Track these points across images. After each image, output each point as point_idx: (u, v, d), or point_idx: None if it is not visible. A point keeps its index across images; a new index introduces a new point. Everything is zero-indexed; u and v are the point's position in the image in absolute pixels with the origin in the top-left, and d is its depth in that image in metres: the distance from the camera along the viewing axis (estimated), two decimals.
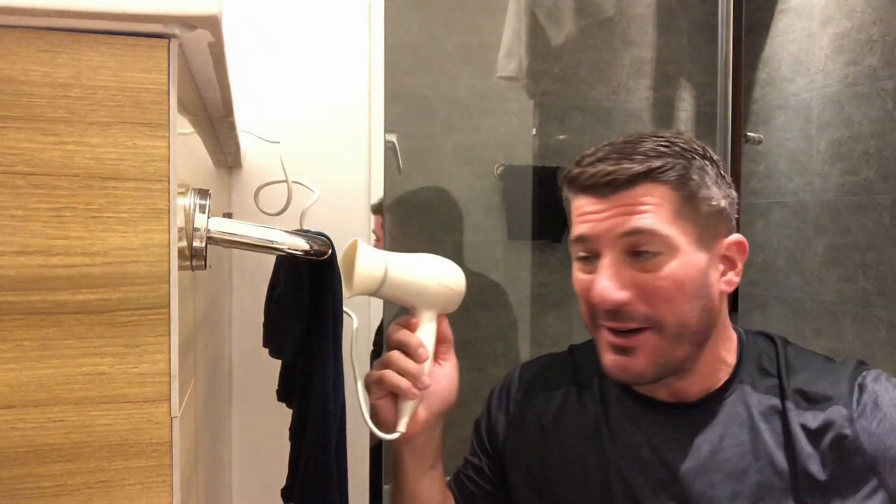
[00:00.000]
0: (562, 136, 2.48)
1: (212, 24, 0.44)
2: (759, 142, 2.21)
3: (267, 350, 0.85)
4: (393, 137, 1.52)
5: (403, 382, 0.78)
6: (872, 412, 0.74)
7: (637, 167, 0.74)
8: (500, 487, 0.92)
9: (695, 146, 0.78)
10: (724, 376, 0.81)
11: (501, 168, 2.38)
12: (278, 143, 1.08)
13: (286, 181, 0.99)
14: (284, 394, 0.89)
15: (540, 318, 2.46)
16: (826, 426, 0.75)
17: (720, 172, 0.79)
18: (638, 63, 2.52)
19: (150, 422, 0.45)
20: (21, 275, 0.43)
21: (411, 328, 0.80)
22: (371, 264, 0.76)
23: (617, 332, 0.76)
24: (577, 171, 0.79)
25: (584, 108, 2.48)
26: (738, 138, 1.83)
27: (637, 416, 0.83)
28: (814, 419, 0.75)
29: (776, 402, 0.78)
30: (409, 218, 2.14)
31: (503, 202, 2.39)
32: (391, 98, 1.29)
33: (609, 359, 0.78)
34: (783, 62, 2.37)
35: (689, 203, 0.75)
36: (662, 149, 0.76)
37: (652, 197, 0.74)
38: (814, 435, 0.75)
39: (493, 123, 2.37)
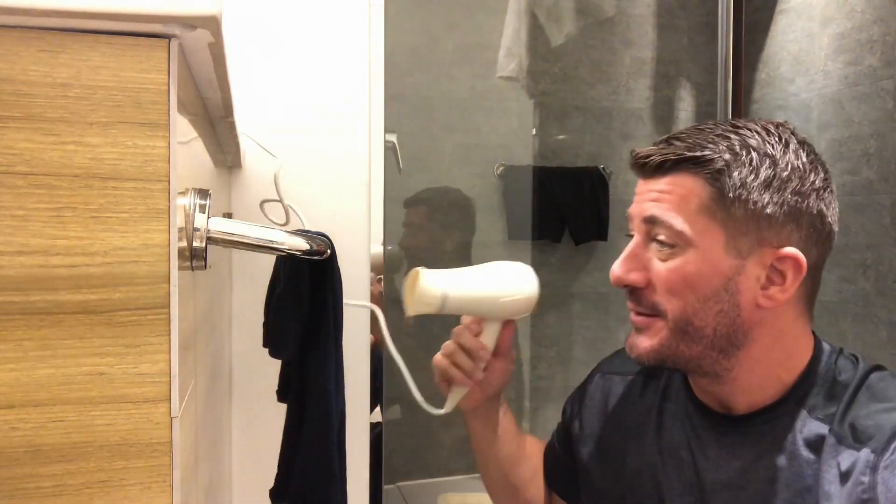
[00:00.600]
0: (562, 136, 2.48)
1: (212, 24, 0.44)
2: None
3: (267, 350, 0.85)
4: (393, 137, 1.52)
5: (458, 376, 0.87)
6: None
7: (671, 154, 0.73)
8: (571, 459, 0.96)
9: (769, 144, 0.72)
10: (776, 394, 0.75)
11: (501, 168, 2.39)
12: (276, 157, 1.08)
13: (281, 201, 1.00)
14: (285, 394, 0.89)
15: (540, 318, 2.46)
16: (850, 470, 0.67)
17: (787, 177, 0.71)
18: (638, 63, 2.52)
19: (150, 422, 0.45)
20: (21, 275, 0.43)
21: (474, 332, 0.87)
22: (430, 288, 0.80)
23: (637, 312, 0.77)
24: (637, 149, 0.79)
25: (584, 108, 2.48)
26: None
27: (688, 417, 0.82)
28: (847, 459, 0.68)
29: (825, 431, 0.71)
30: (421, 216, 2.16)
31: (503, 202, 2.39)
32: (391, 98, 1.29)
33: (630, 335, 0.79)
34: (783, 62, 2.37)
35: (720, 202, 0.71)
36: (720, 140, 0.72)
37: (681, 187, 0.72)
38: (842, 477, 0.68)
39: (493, 123, 2.37)
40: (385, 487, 1.38)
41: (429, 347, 0.95)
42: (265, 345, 0.85)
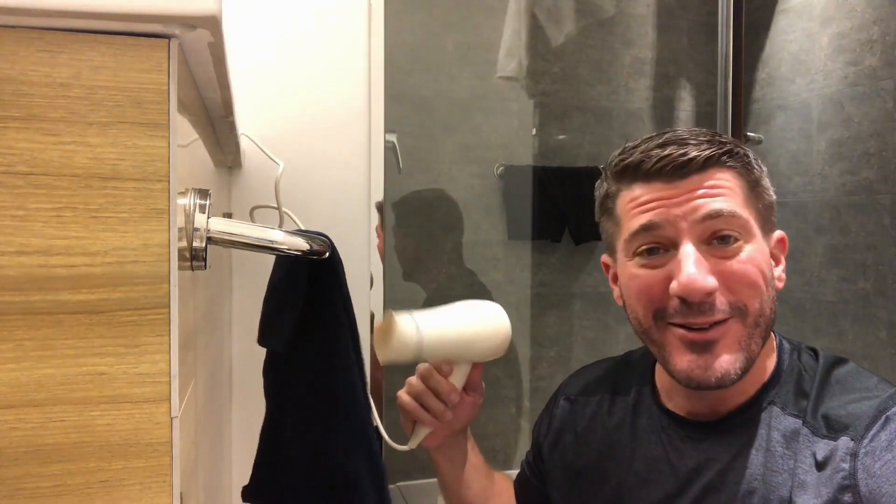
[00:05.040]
0: (562, 136, 2.48)
1: (212, 24, 0.44)
2: (760, 142, 2.21)
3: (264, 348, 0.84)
4: (393, 137, 1.52)
5: (427, 419, 0.85)
6: (882, 452, 0.65)
7: (710, 150, 0.71)
8: (543, 484, 0.95)
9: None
10: (751, 393, 0.76)
11: (501, 168, 2.38)
12: (279, 163, 1.08)
13: (278, 208, 1.00)
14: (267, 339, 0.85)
15: (540, 318, 2.46)
16: (828, 458, 0.68)
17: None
18: (638, 63, 2.52)
19: (150, 422, 0.45)
20: (21, 275, 0.42)
21: (444, 374, 0.84)
22: (405, 336, 0.77)
23: (695, 329, 0.71)
24: (637, 157, 0.74)
25: (584, 108, 2.48)
26: (738, 138, 1.83)
27: (663, 430, 0.81)
28: (824, 449, 0.68)
29: (799, 425, 0.71)
30: (410, 218, 2.15)
31: (503, 202, 2.39)
32: (391, 98, 1.29)
33: (685, 360, 0.71)
34: (783, 62, 2.37)
35: (754, 190, 0.74)
36: (719, 138, 0.74)
37: (725, 181, 0.72)
38: (818, 465, 0.68)
39: (493, 123, 2.37)
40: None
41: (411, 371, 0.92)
42: (260, 341, 0.84)
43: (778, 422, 0.73)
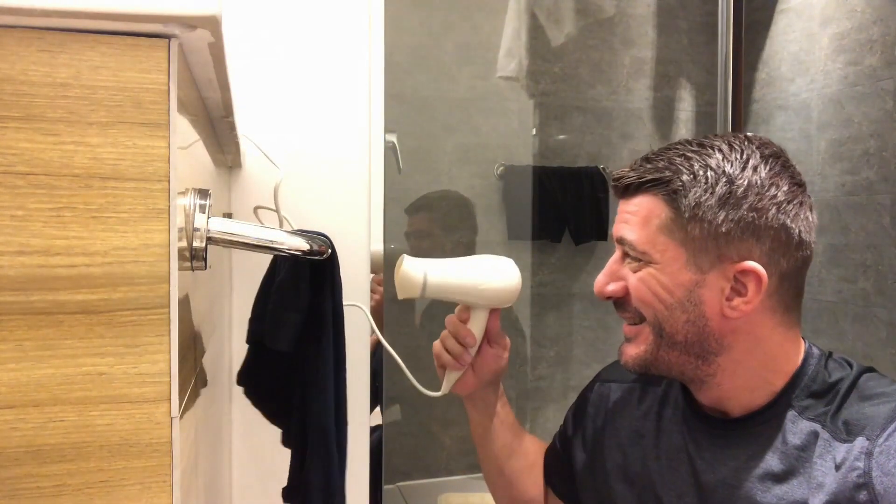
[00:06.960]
0: (562, 136, 2.48)
1: (212, 24, 0.44)
2: None
3: (249, 346, 0.85)
4: (393, 137, 1.52)
5: (449, 360, 0.93)
6: None
7: (633, 178, 0.78)
8: (569, 458, 0.99)
9: (728, 161, 0.75)
10: (767, 397, 0.78)
11: (501, 168, 2.38)
12: (279, 168, 1.08)
13: (277, 211, 1.01)
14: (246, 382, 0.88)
15: (540, 317, 2.46)
16: (845, 459, 0.70)
17: (743, 194, 0.74)
18: (638, 63, 2.52)
19: (150, 422, 0.45)
20: (21, 275, 0.42)
21: (462, 319, 0.93)
22: (410, 273, 0.87)
23: (626, 321, 0.82)
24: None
25: (584, 108, 2.48)
26: None
27: (685, 422, 0.85)
28: (842, 452, 0.70)
29: (818, 429, 0.74)
30: (421, 218, 2.16)
31: (503, 202, 2.39)
32: (391, 98, 1.29)
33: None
34: (783, 62, 2.37)
35: (678, 221, 0.75)
36: (681, 160, 0.76)
37: (643, 208, 0.77)
38: (836, 468, 0.70)
39: (493, 123, 2.37)
40: (385, 487, 1.38)
41: (428, 347, 0.98)
42: (252, 339, 0.85)
43: (795, 425, 0.75)
